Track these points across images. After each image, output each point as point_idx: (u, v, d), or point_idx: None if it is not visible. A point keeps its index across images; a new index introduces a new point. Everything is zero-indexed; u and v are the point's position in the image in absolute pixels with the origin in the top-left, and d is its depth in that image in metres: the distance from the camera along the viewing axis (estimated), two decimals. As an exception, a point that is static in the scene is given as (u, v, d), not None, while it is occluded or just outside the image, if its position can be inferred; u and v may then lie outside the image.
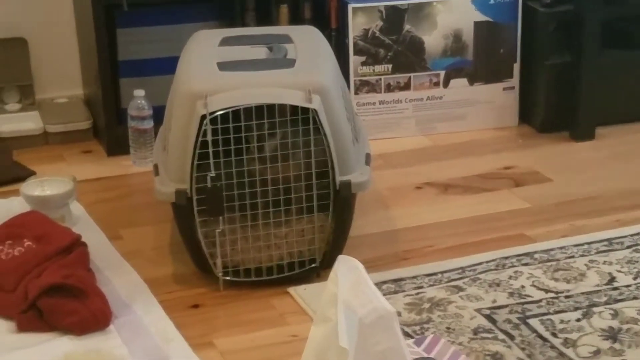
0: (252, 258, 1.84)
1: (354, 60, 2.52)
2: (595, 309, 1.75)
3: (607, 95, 2.54)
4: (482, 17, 2.55)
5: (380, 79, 2.55)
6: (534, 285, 1.83)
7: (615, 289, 1.82)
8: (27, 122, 2.56)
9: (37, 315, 1.70)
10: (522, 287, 1.83)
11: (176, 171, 1.81)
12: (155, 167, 1.90)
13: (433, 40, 2.54)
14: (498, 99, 2.62)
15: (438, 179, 2.33)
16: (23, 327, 1.70)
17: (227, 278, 1.84)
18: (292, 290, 1.83)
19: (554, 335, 1.67)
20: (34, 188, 2.08)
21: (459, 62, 2.57)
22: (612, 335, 1.67)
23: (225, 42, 2.01)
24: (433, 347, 1.61)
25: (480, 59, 2.58)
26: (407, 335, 1.68)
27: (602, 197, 2.23)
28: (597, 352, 1.62)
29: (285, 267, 1.84)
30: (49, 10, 2.65)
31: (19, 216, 1.96)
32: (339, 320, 1.18)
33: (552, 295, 1.80)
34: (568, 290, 1.81)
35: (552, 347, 1.64)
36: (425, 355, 1.58)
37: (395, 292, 1.82)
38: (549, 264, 1.91)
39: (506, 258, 1.93)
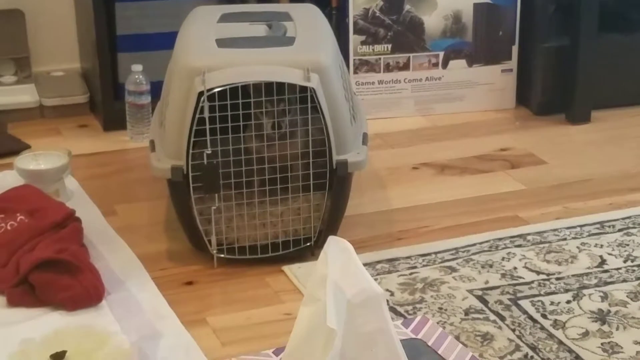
0: (247, 236, 1.84)
1: (353, 39, 2.51)
2: (585, 291, 1.76)
3: (603, 78, 2.55)
4: (481, -1, 2.55)
5: (380, 59, 2.54)
6: (526, 267, 1.84)
7: (606, 271, 1.83)
8: (23, 95, 2.55)
9: (28, 290, 1.69)
10: (515, 268, 1.84)
11: (172, 147, 1.81)
12: (152, 143, 1.90)
13: (433, 20, 2.54)
14: (496, 81, 2.62)
15: (435, 160, 2.34)
16: (13, 302, 1.69)
17: (222, 255, 1.84)
18: (286, 268, 1.84)
19: (544, 316, 1.68)
20: (28, 162, 2.06)
21: (458, 43, 2.57)
22: (601, 317, 1.68)
23: (225, 18, 2.01)
24: (421, 328, 1.62)
25: (479, 41, 2.58)
26: (399, 315, 1.69)
27: (597, 180, 2.23)
28: (586, 333, 1.64)
29: (280, 245, 1.85)
30: (46, -18, 2.64)
31: (13, 190, 1.95)
32: (327, 301, 1.18)
33: (544, 277, 1.81)
34: (559, 272, 1.82)
35: (542, 328, 1.65)
36: (413, 336, 1.59)
37: (389, 272, 1.83)
38: (541, 245, 1.92)
39: (500, 239, 1.94)
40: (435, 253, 1.89)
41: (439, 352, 1.56)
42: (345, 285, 1.21)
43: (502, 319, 1.68)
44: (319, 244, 1.83)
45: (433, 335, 1.60)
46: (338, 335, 1.18)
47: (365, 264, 1.81)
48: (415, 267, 1.85)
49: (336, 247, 1.24)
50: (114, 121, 2.45)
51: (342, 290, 1.21)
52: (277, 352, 1.55)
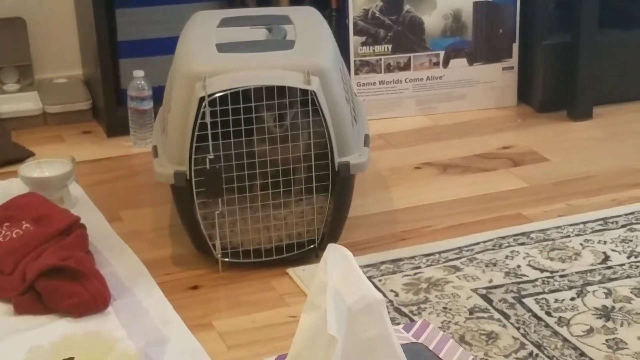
0: (251, 239, 1.85)
1: (354, 40, 2.52)
2: (589, 288, 1.76)
3: (605, 74, 2.55)
4: (481, -3, 2.56)
5: (380, 59, 2.55)
6: (530, 265, 1.85)
7: (609, 267, 1.83)
8: (26, 103, 2.56)
9: (35, 298, 1.70)
10: (518, 266, 1.84)
11: (175, 153, 1.82)
12: (155, 148, 1.90)
13: (433, 20, 2.54)
14: (497, 79, 2.62)
15: (437, 159, 2.34)
16: (21, 310, 1.70)
17: (226, 259, 1.85)
18: (291, 271, 1.84)
19: (549, 314, 1.69)
20: (32, 169, 2.07)
21: (458, 42, 2.58)
22: (605, 314, 1.69)
23: (225, 23, 2.02)
24: (422, 332, 1.62)
25: (479, 39, 2.58)
26: (404, 315, 1.69)
27: (599, 176, 2.24)
28: (591, 330, 1.64)
29: (284, 248, 1.85)
30: (47, -10, 2.65)
31: (17, 198, 1.96)
32: (328, 308, 1.19)
33: (547, 274, 1.82)
34: (563, 270, 1.83)
35: (547, 325, 1.66)
36: (414, 340, 1.59)
37: (394, 273, 1.83)
38: (544, 243, 1.92)
39: (503, 238, 1.95)
40: (439, 253, 1.90)
41: (440, 355, 1.56)
42: (345, 292, 1.22)
43: (507, 317, 1.68)
44: (323, 246, 1.83)
45: (434, 339, 1.60)
46: (339, 342, 1.18)
47: (369, 265, 1.85)
48: (419, 267, 1.85)
49: (336, 254, 1.25)
50: (116, 127, 2.46)
51: (342, 298, 1.21)
52: (279, 359, 1.55)
